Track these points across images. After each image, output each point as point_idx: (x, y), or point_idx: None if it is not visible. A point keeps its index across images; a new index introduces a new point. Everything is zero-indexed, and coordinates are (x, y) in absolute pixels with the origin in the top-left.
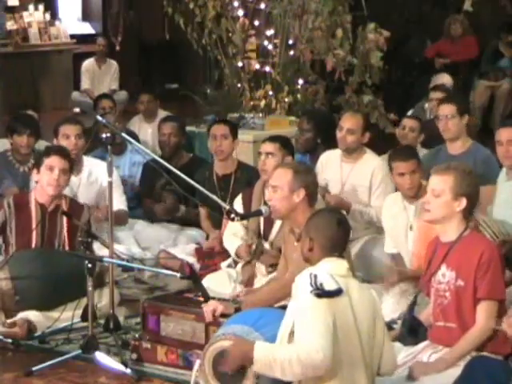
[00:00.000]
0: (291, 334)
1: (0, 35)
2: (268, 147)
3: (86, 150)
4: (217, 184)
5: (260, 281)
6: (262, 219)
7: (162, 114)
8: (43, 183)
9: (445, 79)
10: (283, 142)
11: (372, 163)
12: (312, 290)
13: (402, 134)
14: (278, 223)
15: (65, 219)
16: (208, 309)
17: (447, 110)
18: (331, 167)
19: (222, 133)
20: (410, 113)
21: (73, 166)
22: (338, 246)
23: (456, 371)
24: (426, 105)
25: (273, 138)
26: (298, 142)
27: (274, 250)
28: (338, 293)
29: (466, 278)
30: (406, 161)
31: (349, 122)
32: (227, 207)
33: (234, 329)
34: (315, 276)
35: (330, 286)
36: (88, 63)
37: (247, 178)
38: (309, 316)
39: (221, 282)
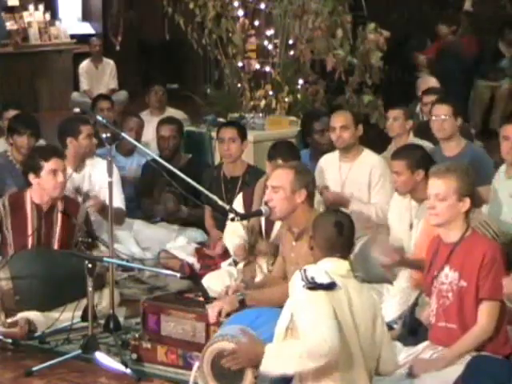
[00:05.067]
0: (287, 329)
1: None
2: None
3: None
4: (223, 185)
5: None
6: (263, 219)
7: (171, 111)
8: (48, 187)
9: (431, 82)
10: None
11: (370, 161)
12: (304, 284)
13: (388, 126)
14: (278, 223)
15: (60, 218)
16: (213, 310)
17: (442, 110)
18: (330, 169)
19: (229, 136)
20: None
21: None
22: (338, 248)
23: (456, 369)
24: (418, 108)
25: (285, 160)
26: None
27: (266, 242)
28: (331, 286)
29: (468, 278)
30: (393, 160)
31: (340, 120)
32: (227, 207)
33: (232, 329)
34: (304, 270)
35: (321, 279)
36: (84, 64)
37: (255, 181)
38: (309, 309)
39: (221, 281)
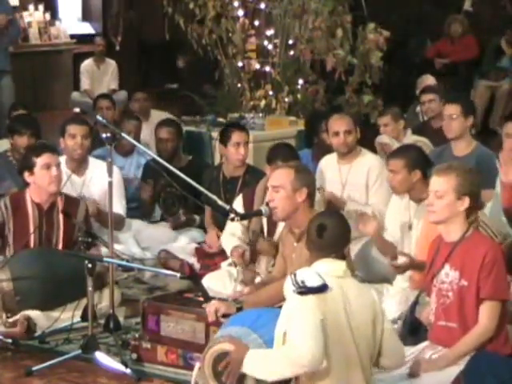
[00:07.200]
0: (285, 333)
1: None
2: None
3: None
4: (222, 186)
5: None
6: (265, 221)
7: (156, 113)
8: (43, 183)
9: (430, 80)
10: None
11: (368, 161)
12: (294, 289)
13: (382, 132)
14: (281, 224)
15: (61, 217)
16: (210, 309)
17: (452, 109)
18: (330, 171)
19: (245, 140)
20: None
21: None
22: (327, 250)
23: (456, 369)
24: (418, 108)
25: (286, 161)
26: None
27: (267, 241)
28: (322, 288)
29: (469, 277)
30: (390, 158)
31: (343, 125)
32: (227, 207)
33: (232, 330)
34: (294, 275)
35: (312, 282)
36: (87, 63)
37: (255, 181)
38: (297, 316)
39: (221, 281)
